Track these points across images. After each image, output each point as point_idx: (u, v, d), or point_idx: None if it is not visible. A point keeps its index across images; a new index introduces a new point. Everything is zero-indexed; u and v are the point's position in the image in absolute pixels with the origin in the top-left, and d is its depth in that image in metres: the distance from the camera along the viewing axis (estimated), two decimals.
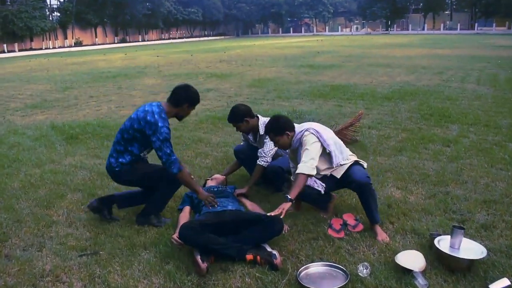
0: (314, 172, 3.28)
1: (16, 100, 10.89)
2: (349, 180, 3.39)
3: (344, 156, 3.47)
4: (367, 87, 10.60)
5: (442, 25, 58.79)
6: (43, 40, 47.51)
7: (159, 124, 3.30)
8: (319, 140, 3.37)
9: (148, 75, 15.19)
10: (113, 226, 3.61)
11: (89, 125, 7.22)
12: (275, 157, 4.21)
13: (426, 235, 3.23)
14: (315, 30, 72.99)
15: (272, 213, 3.09)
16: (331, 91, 10.12)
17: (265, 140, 4.10)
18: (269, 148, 4.08)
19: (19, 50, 42.38)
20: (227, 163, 5.19)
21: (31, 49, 44.49)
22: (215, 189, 3.95)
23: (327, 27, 73.02)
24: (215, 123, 7.26)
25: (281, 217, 3.09)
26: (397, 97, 9.04)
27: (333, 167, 3.45)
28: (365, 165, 3.58)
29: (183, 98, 3.48)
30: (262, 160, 4.09)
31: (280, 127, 3.47)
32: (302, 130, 3.43)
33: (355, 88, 10.45)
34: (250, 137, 4.36)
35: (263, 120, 4.19)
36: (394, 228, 3.42)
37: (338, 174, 3.46)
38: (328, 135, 3.47)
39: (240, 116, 4.10)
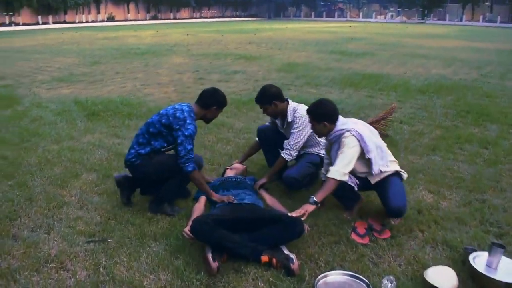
0: (345, 178, 3.06)
1: (44, 72, 10.91)
2: (383, 196, 3.23)
3: (385, 162, 3.23)
4: (401, 78, 10.15)
5: (481, 16, 56.32)
6: (76, 14, 47.92)
7: (188, 120, 3.31)
8: (360, 145, 3.11)
9: (176, 54, 15.03)
10: (125, 212, 3.45)
11: (112, 102, 7.11)
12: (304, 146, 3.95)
13: (459, 248, 2.95)
14: (348, 15, 71.26)
15: (294, 214, 2.87)
16: (363, 80, 9.72)
17: (292, 131, 3.83)
18: (295, 140, 3.81)
19: (53, 23, 42.89)
20: None
21: (64, 22, 44.97)
22: (234, 180, 3.76)
23: (361, 13, 71.13)
24: (240, 107, 7.02)
25: (303, 219, 2.86)
26: (432, 90, 8.59)
27: (371, 173, 3.21)
28: (405, 176, 3.32)
29: (212, 101, 3.50)
30: (286, 153, 3.83)
31: (320, 114, 3.21)
32: (344, 129, 3.16)
33: (388, 78, 10.01)
34: (278, 121, 4.10)
35: (292, 106, 3.91)
36: (424, 237, 3.14)
37: (373, 180, 3.25)
38: (372, 139, 3.20)
39: (268, 97, 3.82)
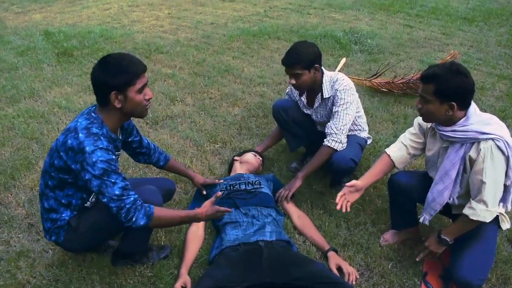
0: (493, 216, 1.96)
1: None
2: (457, 250, 2.07)
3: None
4: None
5: None
6: None
7: (86, 147, 1.77)
8: (507, 165, 1.88)
9: None
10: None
11: (90, 34, 5.69)
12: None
13: None
14: None
15: (419, 257, 1.78)
16: (395, 0, 8.11)
17: (336, 109, 2.64)
18: (342, 122, 2.63)
19: None
20: (264, 116, 3.79)
21: None
22: (243, 188, 2.55)
23: None
24: (249, 43, 5.64)
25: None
26: (480, 18, 7.06)
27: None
28: (507, 225, 2.10)
29: (109, 79, 1.80)
30: (333, 140, 2.62)
31: (452, 90, 1.85)
32: (487, 134, 1.86)
33: None
34: (303, 99, 2.89)
35: (329, 76, 2.70)
36: None
37: (457, 210, 2.11)
38: None
39: (310, 59, 2.57)
